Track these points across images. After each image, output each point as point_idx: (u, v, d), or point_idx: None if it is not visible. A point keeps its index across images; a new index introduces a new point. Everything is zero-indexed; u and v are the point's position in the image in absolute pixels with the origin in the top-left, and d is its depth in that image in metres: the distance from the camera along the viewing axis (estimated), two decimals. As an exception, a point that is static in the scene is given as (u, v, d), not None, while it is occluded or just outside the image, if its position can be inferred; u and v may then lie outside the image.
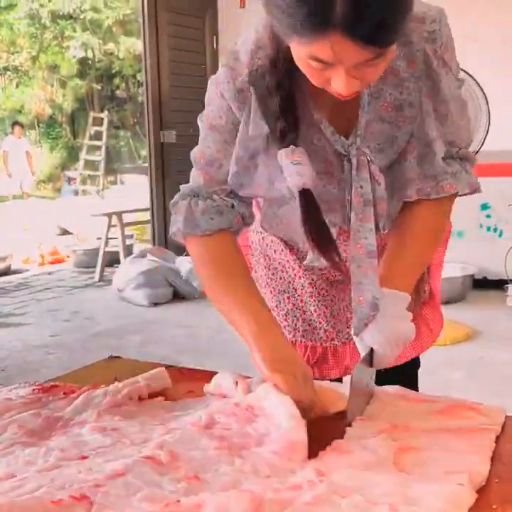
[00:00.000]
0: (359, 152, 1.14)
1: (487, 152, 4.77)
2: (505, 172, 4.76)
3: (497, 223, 4.91)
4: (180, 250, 4.81)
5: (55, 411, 1.06)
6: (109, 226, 5.95)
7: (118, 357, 1.41)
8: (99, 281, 5.94)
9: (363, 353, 1.11)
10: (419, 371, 1.53)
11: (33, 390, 1.13)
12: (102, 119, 13.74)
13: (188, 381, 1.23)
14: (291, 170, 1.05)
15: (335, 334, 1.39)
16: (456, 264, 4.60)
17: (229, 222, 1.18)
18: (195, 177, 1.20)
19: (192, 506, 0.75)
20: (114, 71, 15.96)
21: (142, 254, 5.40)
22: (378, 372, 1.12)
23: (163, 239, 5.82)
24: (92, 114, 14.32)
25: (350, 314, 1.18)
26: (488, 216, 4.92)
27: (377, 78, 1.01)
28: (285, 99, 1.06)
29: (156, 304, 4.98)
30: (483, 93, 5.00)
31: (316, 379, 1.17)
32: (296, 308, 1.39)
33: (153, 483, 0.82)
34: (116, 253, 5.95)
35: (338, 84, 0.94)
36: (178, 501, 0.77)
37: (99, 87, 16.55)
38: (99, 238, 6.43)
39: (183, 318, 4.62)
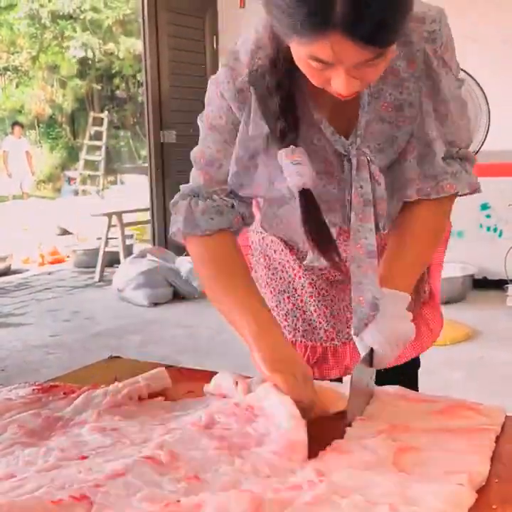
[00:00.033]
0: (359, 152, 1.14)
1: (487, 152, 4.77)
2: (505, 172, 4.76)
3: (497, 223, 4.91)
4: (180, 250, 4.81)
5: (55, 411, 1.06)
6: (109, 226, 5.95)
7: (118, 357, 1.41)
8: (99, 281, 5.94)
9: (363, 353, 1.11)
10: (419, 371, 1.53)
11: (33, 390, 1.13)
12: (102, 119, 13.74)
13: (187, 381, 1.22)
14: (291, 170, 1.05)
15: (335, 334, 1.39)
16: (456, 264, 4.60)
17: (229, 222, 1.18)
18: (195, 177, 1.20)
19: (192, 506, 0.75)
20: (114, 71, 15.96)
21: (142, 254, 5.39)
22: (378, 372, 1.12)
23: (163, 239, 5.82)
24: (92, 114, 14.32)
25: (350, 314, 1.18)
26: (488, 216, 4.92)
27: (377, 78, 1.01)
28: (285, 99, 1.06)
29: (156, 304, 4.98)
30: (483, 93, 5.00)
31: (316, 379, 1.17)
32: (296, 308, 1.39)
33: (153, 483, 0.82)
34: (116, 253, 5.95)
35: (338, 84, 0.94)
36: (178, 501, 0.77)
37: (99, 87, 16.55)
38: (99, 238, 6.43)
39: (183, 318, 4.62)
